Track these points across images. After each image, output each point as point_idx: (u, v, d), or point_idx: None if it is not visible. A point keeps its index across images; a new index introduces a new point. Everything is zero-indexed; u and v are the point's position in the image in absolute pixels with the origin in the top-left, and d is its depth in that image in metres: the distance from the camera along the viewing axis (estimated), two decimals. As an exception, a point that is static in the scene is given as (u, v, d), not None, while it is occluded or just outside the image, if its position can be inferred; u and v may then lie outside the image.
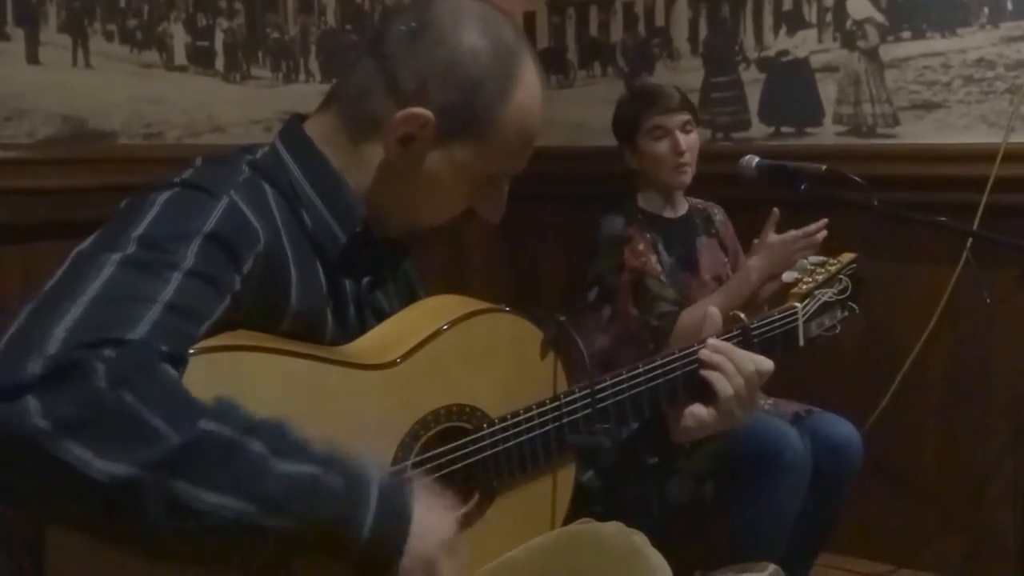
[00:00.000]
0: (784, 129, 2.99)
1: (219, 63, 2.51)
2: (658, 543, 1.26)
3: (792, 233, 2.36)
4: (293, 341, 1.14)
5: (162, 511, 0.90)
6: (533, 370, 1.31)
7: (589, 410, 1.30)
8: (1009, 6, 2.64)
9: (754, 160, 2.42)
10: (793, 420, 2.40)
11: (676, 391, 1.37)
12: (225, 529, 0.92)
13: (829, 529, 2.44)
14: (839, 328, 1.61)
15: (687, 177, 2.50)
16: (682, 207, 2.61)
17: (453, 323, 1.24)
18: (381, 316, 1.29)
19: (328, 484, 0.97)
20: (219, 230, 1.06)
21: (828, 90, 2.90)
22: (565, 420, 1.29)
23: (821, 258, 1.66)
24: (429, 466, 1.20)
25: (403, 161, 1.21)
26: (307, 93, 2.65)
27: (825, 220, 2.36)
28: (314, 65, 2.73)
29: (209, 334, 1.04)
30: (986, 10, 2.66)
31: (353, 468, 1.00)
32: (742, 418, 1.37)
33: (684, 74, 3.08)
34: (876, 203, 2.27)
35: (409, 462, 1.18)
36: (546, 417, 1.27)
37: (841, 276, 1.63)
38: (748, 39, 3.02)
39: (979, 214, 2.59)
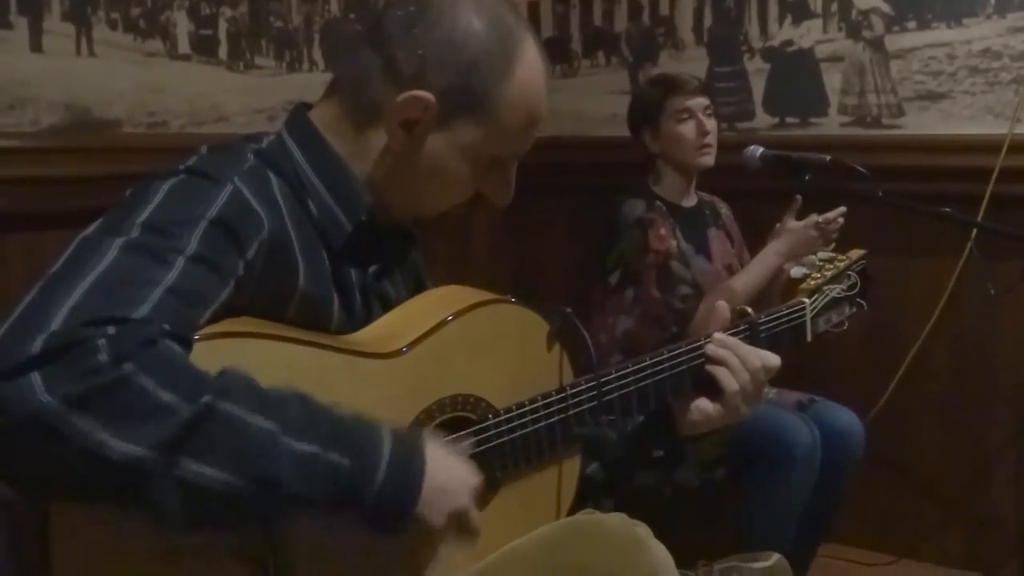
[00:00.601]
0: (789, 119, 2.98)
1: (223, 52, 2.50)
2: (664, 530, 1.26)
3: (812, 218, 2.39)
4: (298, 329, 1.14)
5: (169, 487, 0.90)
6: (538, 361, 1.31)
7: (595, 402, 1.30)
8: (1015, -4, 2.63)
9: (758, 150, 2.42)
10: (796, 409, 2.41)
11: (682, 385, 1.37)
12: (230, 504, 0.93)
13: (831, 518, 2.44)
14: (847, 324, 1.61)
15: (710, 159, 2.52)
16: (693, 197, 2.63)
17: (459, 313, 1.24)
18: (387, 305, 1.29)
19: (333, 458, 0.98)
20: (223, 216, 1.06)
21: (833, 80, 2.89)
22: (571, 412, 1.29)
23: (830, 254, 1.66)
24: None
25: (406, 146, 1.20)
26: (311, 82, 2.64)
27: (843, 208, 2.36)
28: (317, 54, 2.73)
29: (212, 321, 1.04)
30: (992, 0, 2.65)
31: (363, 441, 1.01)
32: (747, 413, 1.37)
33: (688, 64, 3.07)
34: (881, 194, 2.27)
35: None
36: (551, 408, 1.27)
37: (850, 272, 1.63)
38: (753, 29, 3.01)
39: (984, 205, 2.59)
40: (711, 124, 2.53)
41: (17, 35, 2.09)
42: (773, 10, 2.97)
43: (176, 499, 0.91)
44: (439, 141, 1.21)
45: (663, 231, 2.44)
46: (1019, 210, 2.54)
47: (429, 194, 1.27)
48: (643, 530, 1.24)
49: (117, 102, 2.27)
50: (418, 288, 1.39)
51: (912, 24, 2.77)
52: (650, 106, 2.56)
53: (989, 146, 2.61)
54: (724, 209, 2.72)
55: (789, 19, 2.95)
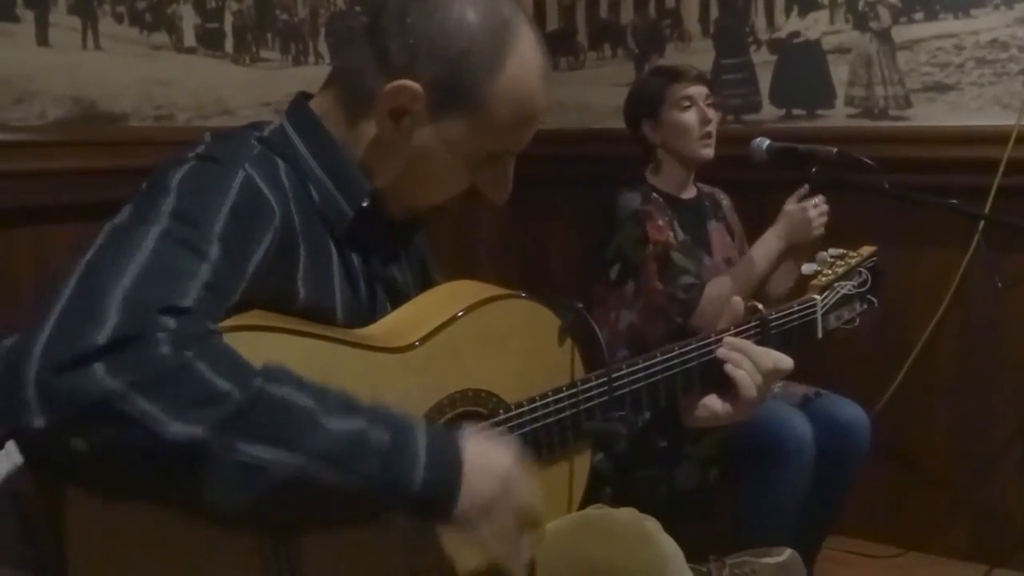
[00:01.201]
0: (795, 111, 2.97)
1: (228, 45, 2.50)
2: (665, 528, 1.26)
3: (808, 201, 2.40)
4: (310, 323, 1.14)
5: (227, 469, 0.92)
6: (549, 356, 1.31)
7: (606, 397, 1.30)
8: (1023, -13, 2.62)
9: (765, 143, 2.42)
10: (802, 403, 2.40)
11: (692, 381, 1.36)
12: (283, 484, 0.94)
13: (837, 511, 2.44)
14: (858, 321, 1.61)
15: (711, 151, 2.51)
16: (692, 189, 2.61)
17: (470, 308, 1.24)
18: (394, 289, 1.29)
19: (375, 437, 0.99)
20: (239, 204, 1.07)
21: (840, 72, 2.88)
22: (581, 407, 1.29)
23: (841, 251, 1.65)
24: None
25: (396, 137, 1.20)
26: (316, 75, 2.60)
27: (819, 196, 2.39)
28: (323, 47, 2.72)
29: (227, 313, 1.04)
30: (1000, -9, 2.64)
31: (400, 422, 1.02)
32: (753, 413, 1.37)
33: (695, 56, 3.06)
34: (887, 186, 2.26)
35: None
36: (562, 404, 1.27)
37: (861, 269, 1.63)
38: (759, 20, 3.00)
39: (991, 197, 2.58)
40: (712, 114, 2.52)
41: (24, 29, 2.09)
42: (780, 1, 2.96)
43: (234, 482, 0.93)
44: (428, 133, 1.20)
45: (660, 223, 2.43)
46: (1027, 202, 2.53)
47: (420, 186, 1.25)
48: (652, 524, 1.24)
49: (123, 95, 2.27)
50: (423, 273, 1.39)
51: (919, 15, 2.76)
52: (651, 96, 2.54)
53: (997, 137, 2.60)
54: (725, 200, 2.70)
55: (796, 10, 2.94)
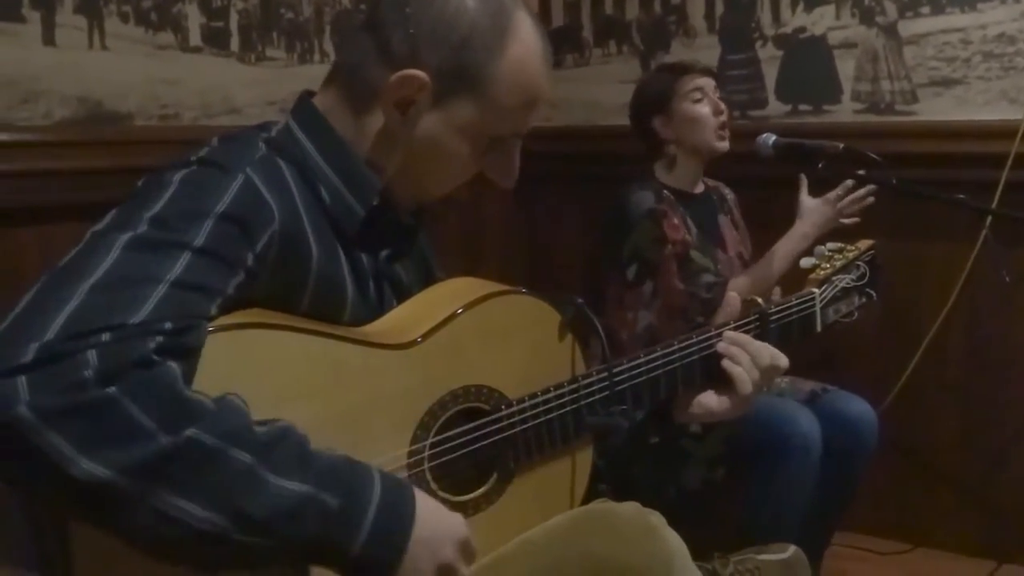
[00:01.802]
0: (801, 107, 2.96)
1: (234, 44, 2.50)
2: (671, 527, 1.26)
3: (834, 193, 2.40)
4: (312, 320, 1.14)
5: (141, 514, 0.89)
6: (551, 352, 1.31)
7: (607, 392, 1.30)
8: (1031, -20, 2.61)
9: (771, 138, 2.41)
10: (809, 398, 2.40)
11: (693, 375, 1.37)
12: (210, 540, 0.92)
13: (844, 507, 2.43)
14: (857, 314, 1.61)
15: (727, 142, 2.49)
16: (701, 184, 2.60)
17: (471, 304, 1.24)
18: (400, 288, 1.30)
19: (323, 502, 0.96)
20: (233, 208, 1.06)
21: (846, 67, 2.87)
22: (583, 402, 1.29)
23: (839, 244, 1.66)
24: (447, 446, 1.20)
25: (403, 128, 1.20)
26: (322, 74, 2.57)
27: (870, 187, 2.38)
28: (329, 45, 2.72)
29: (224, 312, 1.04)
30: (1007, -16, 2.63)
31: (354, 485, 0.99)
32: (748, 410, 1.38)
33: (700, 52, 3.06)
34: (894, 181, 2.26)
35: (427, 442, 1.19)
36: (564, 399, 1.28)
37: (859, 262, 1.63)
38: (765, 16, 3.00)
39: (999, 192, 2.57)
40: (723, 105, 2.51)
41: (30, 29, 2.09)
42: (785, -3, 2.96)
43: (150, 527, 0.90)
44: (435, 121, 1.20)
45: (676, 221, 2.43)
46: (1034, 196, 2.52)
47: (430, 176, 1.26)
48: (657, 519, 1.24)
49: (129, 95, 2.27)
50: (427, 273, 1.39)
51: (926, 9, 2.75)
52: (661, 90, 2.53)
53: (1004, 132, 2.59)
54: (730, 195, 2.70)
55: (801, 6, 2.93)
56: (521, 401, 1.25)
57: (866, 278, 1.63)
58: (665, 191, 2.49)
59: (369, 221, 1.22)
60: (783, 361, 1.37)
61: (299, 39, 2.66)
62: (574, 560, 1.21)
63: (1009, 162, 2.56)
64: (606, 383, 1.30)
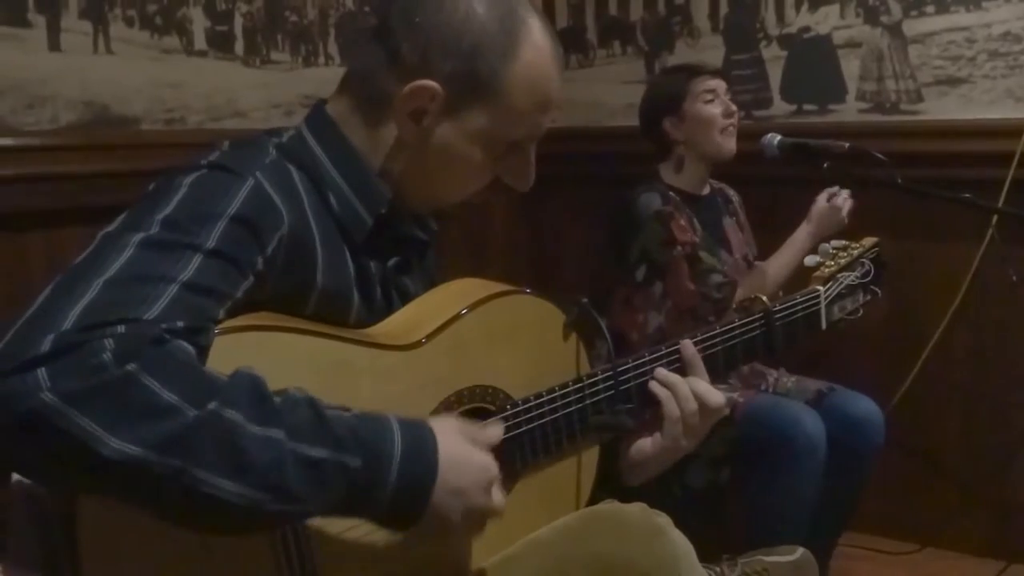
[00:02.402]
0: (806, 107, 2.96)
1: (239, 47, 2.51)
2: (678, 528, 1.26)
3: (839, 196, 2.44)
4: (318, 323, 1.14)
5: (173, 490, 0.90)
6: (555, 351, 1.31)
7: (612, 391, 1.30)
8: (1036, -21, 2.60)
9: (776, 138, 2.41)
10: (815, 398, 2.39)
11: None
12: (243, 511, 0.92)
13: (851, 507, 2.43)
14: (861, 312, 1.61)
15: (733, 144, 2.49)
16: (707, 186, 2.60)
17: (475, 305, 1.24)
18: (407, 298, 1.30)
19: (344, 465, 0.97)
20: (243, 212, 1.06)
21: (851, 66, 2.87)
22: (588, 401, 1.29)
23: (843, 242, 1.66)
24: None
25: (417, 137, 1.20)
26: (326, 77, 2.64)
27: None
28: (333, 48, 2.73)
29: (232, 314, 1.04)
30: (1012, -17, 2.63)
31: (375, 442, 1.00)
32: (690, 447, 1.35)
33: (705, 52, 3.06)
34: (900, 180, 2.25)
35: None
36: (569, 398, 1.28)
37: (863, 260, 1.63)
38: (769, 16, 3.00)
39: (1005, 190, 2.56)
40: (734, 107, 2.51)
41: (35, 34, 2.10)
42: (790, -3, 2.96)
43: (181, 502, 0.90)
44: (450, 129, 1.20)
45: (683, 222, 2.43)
46: (1040, 195, 2.52)
47: (446, 184, 1.26)
48: (663, 520, 1.24)
49: (135, 99, 2.28)
50: (431, 286, 1.39)
51: (931, 8, 2.74)
52: (673, 91, 2.52)
53: (1010, 131, 2.58)
54: (734, 196, 2.69)
55: (806, 5, 2.93)
56: (526, 401, 1.25)
57: (871, 275, 1.63)
58: (671, 192, 2.49)
59: (378, 230, 1.22)
60: (715, 399, 1.32)
61: (304, 42, 2.67)
62: (581, 561, 1.21)
63: (1015, 161, 2.55)
64: (611, 382, 1.30)
